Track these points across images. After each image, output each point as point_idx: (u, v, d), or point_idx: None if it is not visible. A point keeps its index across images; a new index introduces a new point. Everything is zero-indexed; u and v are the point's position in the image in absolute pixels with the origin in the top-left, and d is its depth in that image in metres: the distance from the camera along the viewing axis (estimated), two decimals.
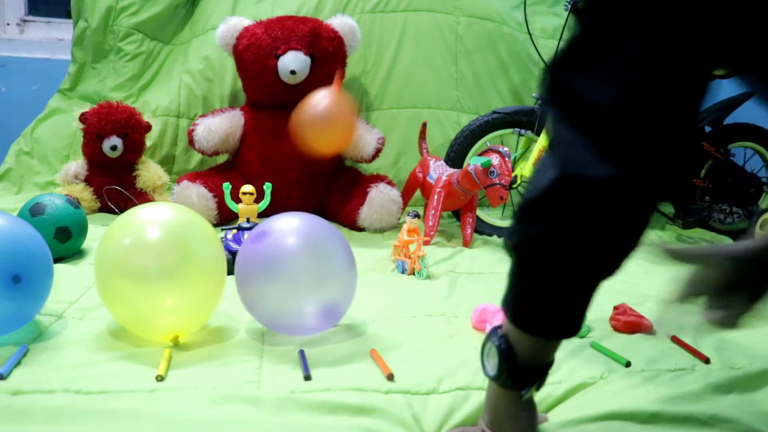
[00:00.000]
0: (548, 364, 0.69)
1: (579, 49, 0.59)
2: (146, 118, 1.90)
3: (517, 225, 0.64)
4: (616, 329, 1.08)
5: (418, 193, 1.93)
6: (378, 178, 1.85)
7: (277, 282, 0.92)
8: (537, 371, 0.68)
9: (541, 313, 0.65)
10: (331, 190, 1.91)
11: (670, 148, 0.58)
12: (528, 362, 0.67)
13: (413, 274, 1.38)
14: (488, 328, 1.02)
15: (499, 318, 1.03)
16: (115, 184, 1.81)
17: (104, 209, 1.83)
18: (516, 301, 0.67)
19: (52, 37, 2.46)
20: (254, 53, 1.85)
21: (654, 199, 0.61)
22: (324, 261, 0.94)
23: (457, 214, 1.82)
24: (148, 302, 0.89)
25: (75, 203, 1.36)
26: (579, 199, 0.58)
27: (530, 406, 0.72)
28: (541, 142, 1.76)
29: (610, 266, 0.62)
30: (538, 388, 0.69)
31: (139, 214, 0.92)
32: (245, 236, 1.28)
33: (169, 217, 0.92)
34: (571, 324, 0.66)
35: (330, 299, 0.94)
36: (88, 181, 1.83)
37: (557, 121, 0.60)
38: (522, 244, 0.63)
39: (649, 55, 0.55)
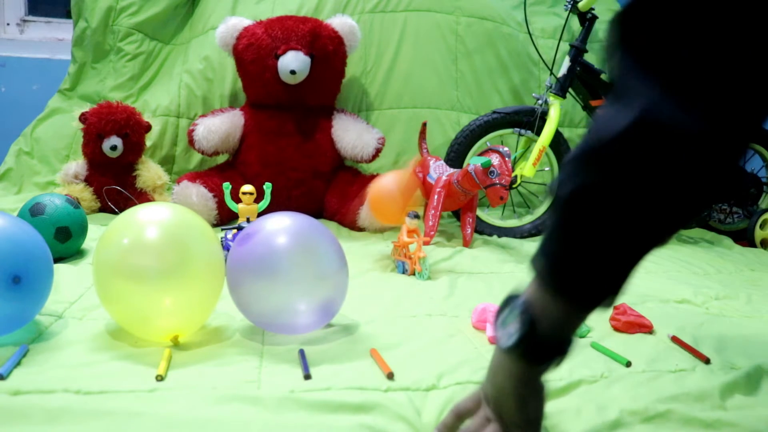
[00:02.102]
0: (570, 340, 0.63)
1: None
2: (146, 118, 1.90)
3: (573, 174, 0.57)
4: (616, 329, 1.08)
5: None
6: None
7: (266, 281, 0.91)
8: (558, 345, 0.62)
9: (581, 274, 0.59)
10: (331, 190, 1.91)
11: (758, 100, 0.53)
12: (551, 333, 0.61)
13: (414, 274, 1.38)
14: (488, 327, 1.02)
15: None
16: (115, 184, 1.81)
17: (104, 209, 1.83)
18: (553, 259, 0.60)
19: (52, 37, 2.46)
20: (254, 53, 1.85)
21: (734, 160, 0.55)
22: (313, 258, 0.94)
23: (457, 214, 1.82)
24: (146, 302, 0.88)
25: (75, 203, 1.36)
26: (655, 150, 0.53)
27: (540, 388, 0.66)
28: (542, 141, 1.76)
29: (671, 228, 0.57)
30: (557, 365, 0.63)
31: (137, 214, 0.92)
32: None
33: (167, 217, 0.92)
34: (608, 292, 0.60)
35: (322, 296, 0.94)
36: (88, 181, 1.83)
37: (632, 67, 0.55)
38: (577, 194, 0.56)
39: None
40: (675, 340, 1.03)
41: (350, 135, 1.88)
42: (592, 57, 2.28)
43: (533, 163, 1.76)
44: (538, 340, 0.61)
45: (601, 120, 0.56)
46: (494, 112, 1.87)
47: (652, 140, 0.52)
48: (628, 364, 0.93)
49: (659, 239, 0.58)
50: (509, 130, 1.88)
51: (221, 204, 1.70)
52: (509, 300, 0.64)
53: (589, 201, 0.56)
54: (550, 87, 1.85)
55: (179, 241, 0.90)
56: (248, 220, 1.41)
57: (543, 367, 0.63)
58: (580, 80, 1.93)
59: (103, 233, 0.93)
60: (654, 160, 0.53)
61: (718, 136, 0.52)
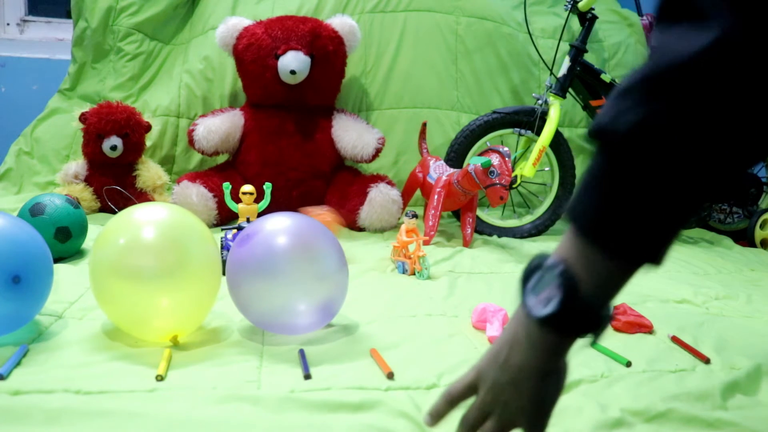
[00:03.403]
0: (610, 307, 0.55)
1: None
2: (146, 118, 1.90)
3: (635, 105, 0.48)
4: (616, 329, 1.08)
5: (418, 193, 1.93)
6: (378, 178, 1.85)
7: (266, 282, 0.91)
8: (597, 312, 0.53)
9: (638, 224, 0.50)
10: (331, 190, 1.91)
11: None
12: (594, 296, 0.52)
13: (414, 274, 1.38)
14: (488, 327, 1.02)
15: (499, 317, 1.03)
16: (115, 184, 1.81)
17: (104, 209, 1.83)
18: (603, 208, 0.51)
19: (52, 37, 2.46)
20: (254, 53, 1.85)
21: None
22: (313, 258, 0.94)
23: (457, 214, 1.82)
24: (143, 303, 0.88)
25: (75, 203, 1.36)
26: (745, 71, 0.45)
27: (564, 368, 0.58)
28: (542, 141, 1.76)
29: (753, 160, 0.49)
30: (596, 338, 0.55)
31: (134, 214, 0.92)
32: None
33: (164, 217, 0.92)
34: (663, 245, 0.52)
35: (322, 296, 0.94)
36: (88, 181, 1.82)
37: None
38: (642, 127, 0.47)
39: None
40: (675, 340, 1.03)
41: (350, 135, 1.88)
42: (592, 57, 2.28)
43: (533, 163, 1.76)
44: (581, 304, 0.52)
45: (668, 42, 0.47)
46: (494, 112, 1.86)
47: (742, 59, 0.44)
48: (628, 364, 0.93)
49: (736, 174, 0.49)
50: (509, 130, 1.88)
51: (221, 204, 1.70)
52: (536, 264, 0.55)
53: (658, 134, 0.47)
54: (550, 87, 1.85)
55: (176, 241, 0.90)
56: (248, 220, 1.41)
57: (575, 339, 0.55)
58: (580, 80, 1.93)
59: (99, 233, 0.93)
60: (742, 84, 0.45)
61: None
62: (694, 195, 0.49)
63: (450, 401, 0.61)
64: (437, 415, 0.62)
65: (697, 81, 0.46)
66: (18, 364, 0.83)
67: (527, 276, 0.56)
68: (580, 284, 0.52)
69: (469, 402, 0.60)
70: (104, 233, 0.91)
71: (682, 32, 0.47)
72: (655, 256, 0.52)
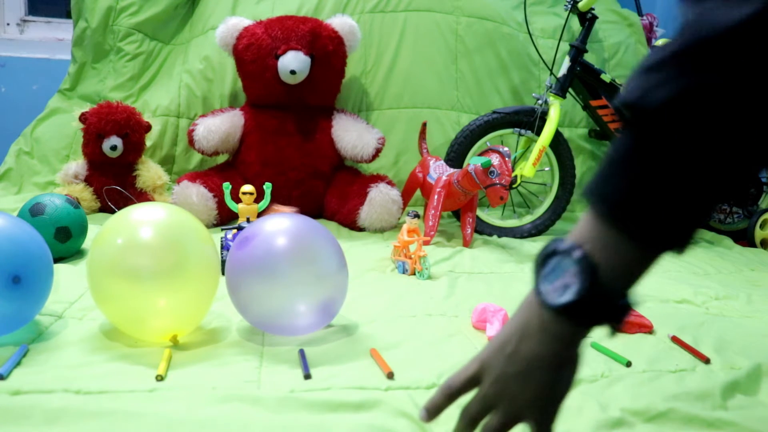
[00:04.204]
0: (626, 299, 0.51)
1: None
2: (146, 118, 1.90)
3: (671, 77, 0.44)
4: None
5: (418, 193, 1.93)
6: (378, 178, 1.85)
7: (266, 283, 0.91)
8: (616, 301, 0.50)
9: (668, 207, 0.47)
10: (331, 190, 1.91)
11: None
12: (615, 284, 0.49)
13: (414, 274, 1.38)
14: (488, 327, 1.02)
15: (499, 317, 1.03)
16: (115, 184, 1.81)
17: (104, 209, 1.83)
18: (630, 190, 0.47)
19: (52, 37, 2.46)
20: (254, 53, 1.85)
21: None
22: (313, 259, 0.94)
23: (457, 214, 1.82)
24: (141, 303, 0.88)
25: (75, 203, 1.36)
26: None
27: (578, 357, 0.55)
28: (542, 141, 1.76)
29: None
30: (615, 330, 0.52)
31: (131, 214, 0.92)
32: None
33: (161, 217, 0.92)
34: (691, 231, 0.49)
35: (321, 297, 0.94)
36: (88, 181, 1.82)
37: None
38: (679, 101, 0.44)
39: None
40: (675, 340, 1.03)
41: (350, 135, 1.88)
42: (592, 57, 2.28)
43: (533, 163, 1.76)
44: (601, 293, 0.49)
45: (704, 14, 0.44)
46: (494, 112, 1.86)
47: None
48: (629, 364, 0.93)
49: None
50: (509, 130, 1.88)
51: (221, 204, 1.70)
52: (552, 249, 0.52)
53: (694, 110, 0.44)
54: (550, 87, 1.85)
55: (174, 241, 0.90)
56: (248, 220, 1.41)
57: (592, 328, 0.52)
58: (580, 80, 1.93)
59: (97, 233, 0.93)
60: None
61: None
62: (729, 176, 0.46)
63: (449, 395, 0.57)
64: (435, 410, 0.58)
65: (737, 54, 0.42)
66: (18, 364, 0.83)
67: (542, 262, 0.53)
68: (600, 271, 0.49)
69: (469, 397, 0.58)
70: (102, 233, 0.91)
71: (719, 3, 0.44)
72: (682, 242, 0.49)
